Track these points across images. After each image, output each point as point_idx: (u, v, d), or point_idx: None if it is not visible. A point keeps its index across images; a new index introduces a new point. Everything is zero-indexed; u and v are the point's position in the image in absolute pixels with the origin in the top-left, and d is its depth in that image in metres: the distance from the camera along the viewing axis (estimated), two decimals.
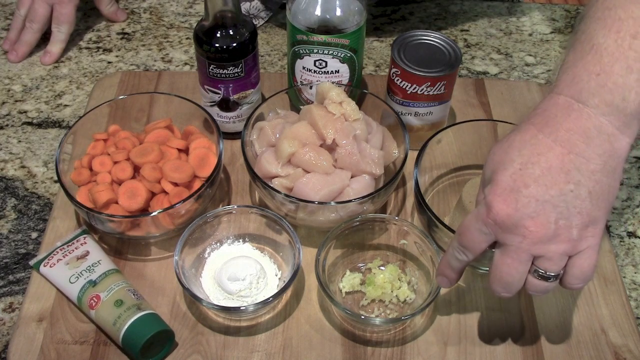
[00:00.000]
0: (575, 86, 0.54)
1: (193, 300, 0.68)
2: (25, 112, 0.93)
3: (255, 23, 1.04)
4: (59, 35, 0.99)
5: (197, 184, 0.75)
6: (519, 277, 0.56)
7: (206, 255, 0.74)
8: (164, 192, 0.74)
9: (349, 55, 0.81)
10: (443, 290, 0.72)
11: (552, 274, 0.55)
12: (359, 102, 0.81)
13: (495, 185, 0.55)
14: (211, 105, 0.82)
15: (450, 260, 0.61)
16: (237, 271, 0.70)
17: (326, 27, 0.79)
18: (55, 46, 1.00)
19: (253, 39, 0.78)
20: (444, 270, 0.63)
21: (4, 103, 0.94)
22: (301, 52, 0.81)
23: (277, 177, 0.73)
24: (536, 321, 0.71)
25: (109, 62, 1.00)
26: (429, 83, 0.79)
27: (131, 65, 1.00)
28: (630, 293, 0.75)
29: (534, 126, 0.55)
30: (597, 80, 0.53)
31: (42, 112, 0.93)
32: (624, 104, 0.52)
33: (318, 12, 0.79)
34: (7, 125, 0.91)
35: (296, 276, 0.68)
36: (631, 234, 0.81)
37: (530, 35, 1.07)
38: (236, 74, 0.79)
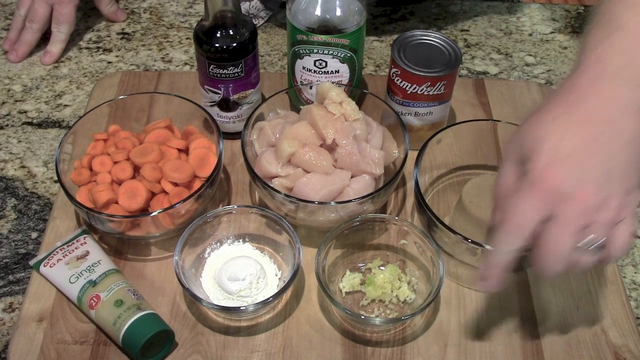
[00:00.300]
0: (602, 64, 0.56)
1: (193, 300, 0.68)
2: (25, 112, 0.93)
3: (255, 23, 1.04)
4: (59, 35, 0.99)
5: (197, 184, 0.75)
6: (570, 249, 0.55)
7: (206, 255, 0.74)
8: (164, 192, 0.74)
9: (349, 55, 0.81)
10: (443, 290, 0.72)
11: (599, 244, 0.55)
12: (359, 102, 0.81)
13: (538, 159, 0.55)
14: (211, 105, 0.82)
15: (497, 257, 0.58)
16: (237, 271, 0.70)
17: (326, 27, 0.79)
18: (55, 46, 0.99)
19: (253, 39, 0.78)
20: (490, 271, 0.59)
21: (4, 103, 0.94)
22: (301, 52, 0.81)
23: (277, 177, 0.73)
24: (536, 321, 0.71)
25: (109, 62, 1.00)
26: (429, 83, 0.79)
27: (131, 65, 1.00)
28: (630, 293, 0.75)
29: (565, 101, 0.56)
30: (623, 58, 0.55)
31: (42, 112, 0.93)
32: None
33: (318, 12, 0.79)
34: (7, 125, 0.91)
35: (296, 276, 0.68)
36: None
37: (530, 35, 1.07)
38: (236, 74, 0.79)
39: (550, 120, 0.56)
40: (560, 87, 0.58)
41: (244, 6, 1.03)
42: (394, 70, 0.80)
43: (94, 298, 0.68)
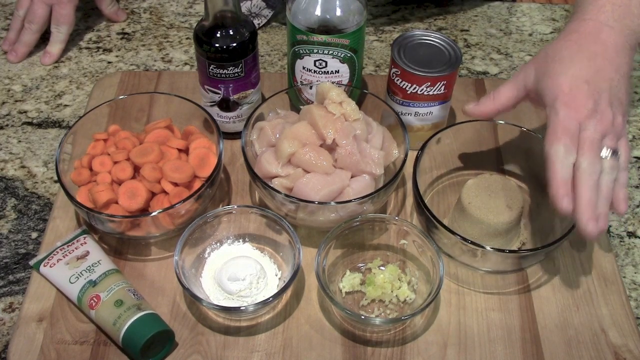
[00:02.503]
0: (602, 14, 0.71)
1: (193, 300, 0.68)
2: (25, 112, 0.93)
3: (257, 22, 1.04)
4: (59, 35, 1.00)
5: (197, 184, 0.75)
6: (598, 160, 0.65)
7: (206, 255, 0.74)
8: (164, 192, 0.74)
9: (349, 55, 0.81)
10: (443, 290, 0.72)
11: (612, 149, 0.66)
12: (359, 102, 0.81)
13: (564, 83, 0.67)
14: (211, 105, 0.82)
15: (561, 170, 0.65)
16: (237, 271, 0.70)
17: (326, 27, 0.79)
18: (54, 47, 1.00)
19: (253, 39, 0.78)
20: (561, 189, 0.64)
21: (4, 103, 0.94)
22: (301, 52, 0.81)
23: (277, 177, 0.73)
24: (536, 321, 0.71)
25: (109, 62, 1.00)
26: (429, 83, 0.79)
27: (131, 65, 1.00)
28: (630, 293, 0.75)
29: (573, 42, 0.71)
30: (620, 10, 0.71)
31: (42, 112, 0.93)
32: (638, 29, 0.72)
33: (318, 12, 0.79)
34: (7, 125, 0.91)
35: (296, 276, 0.68)
36: (631, 234, 0.81)
37: (530, 35, 1.07)
38: (236, 74, 0.79)
39: (567, 56, 0.69)
40: (567, 28, 0.73)
41: (246, 5, 1.03)
42: (394, 70, 0.80)
43: (94, 298, 0.68)
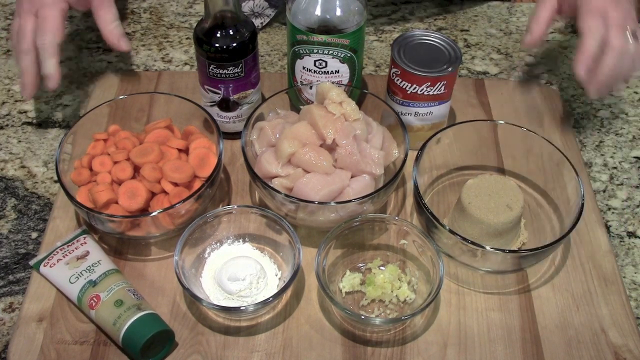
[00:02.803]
0: None
1: (193, 300, 0.68)
2: (25, 112, 0.93)
3: (260, 22, 1.04)
4: (46, 50, 0.81)
5: (197, 184, 0.75)
6: (624, 37, 0.77)
7: (206, 255, 0.74)
8: (164, 192, 0.74)
9: (349, 55, 0.81)
10: (443, 290, 0.72)
11: (632, 32, 0.78)
12: (359, 102, 0.81)
13: None
14: (211, 105, 0.82)
15: (593, 42, 0.77)
16: (237, 271, 0.70)
17: (326, 27, 0.79)
18: (48, 64, 0.82)
19: (253, 39, 0.78)
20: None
21: (4, 103, 0.94)
22: (301, 52, 0.81)
23: (277, 177, 0.73)
24: (536, 321, 0.71)
25: (109, 62, 1.00)
26: (429, 83, 0.79)
27: (131, 65, 1.00)
28: (630, 293, 0.75)
29: None
30: None
31: (42, 112, 0.93)
32: None
33: (318, 12, 0.79)
34: (7, 125, 0.91)
35: (296, 276, 0.68)
36: (631, 234, 0.81)
37: None
38: (236, 74, 0.79)
39: None
40: None
41: (249, 5, 1.03)
42: (394, 70, 0.80)
43: (94, 298, 0.68)
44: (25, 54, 0.82)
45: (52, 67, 0.81)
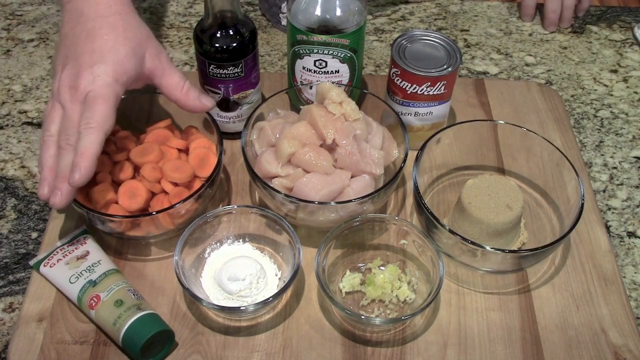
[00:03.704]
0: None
1: (193, 300, 0.68)
2: (25, 112, 0.93)
3: (280, 4, 1.02)
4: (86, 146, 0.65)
5: (197, 184, 0.75)
6: None
7: (206, 255, 0.74)
8: (164, 192, 0.74)
9: (349, 55, 0.81)
10: (443, 290, 0.72)
11: None
12: (359, 102, 0.81)
13: None
14: None
15: None
16: (237, 271, 0.70)
17: (326, 27, 0.79)
18: (83, 162, 0.64)
19: (253, 39, 0.78)
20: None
21: (4, 103, 0.94)
22: (301, 52, 0.81)
23: (277, 177, 0.73)
24: (536, 321, 0.71)
25: None
26: (429, 83, 0.79)
27: None
28: (630, 293, 0.75)
29: None
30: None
31: (42, 112, 0.93)
32: None
33: (318, 12, 0.79)
34: (7, 125, 0.91)
35: (296, 276, 0.68)
36: (631, 234, 0.81)
37: (530, 35, 1.07)
38: (236, 74, 0.79)
39: None
40: None
41: None
42: (394, 70, 0.80)
43: (94, 298, 0.68)
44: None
45: (88, 167, 0.65)
